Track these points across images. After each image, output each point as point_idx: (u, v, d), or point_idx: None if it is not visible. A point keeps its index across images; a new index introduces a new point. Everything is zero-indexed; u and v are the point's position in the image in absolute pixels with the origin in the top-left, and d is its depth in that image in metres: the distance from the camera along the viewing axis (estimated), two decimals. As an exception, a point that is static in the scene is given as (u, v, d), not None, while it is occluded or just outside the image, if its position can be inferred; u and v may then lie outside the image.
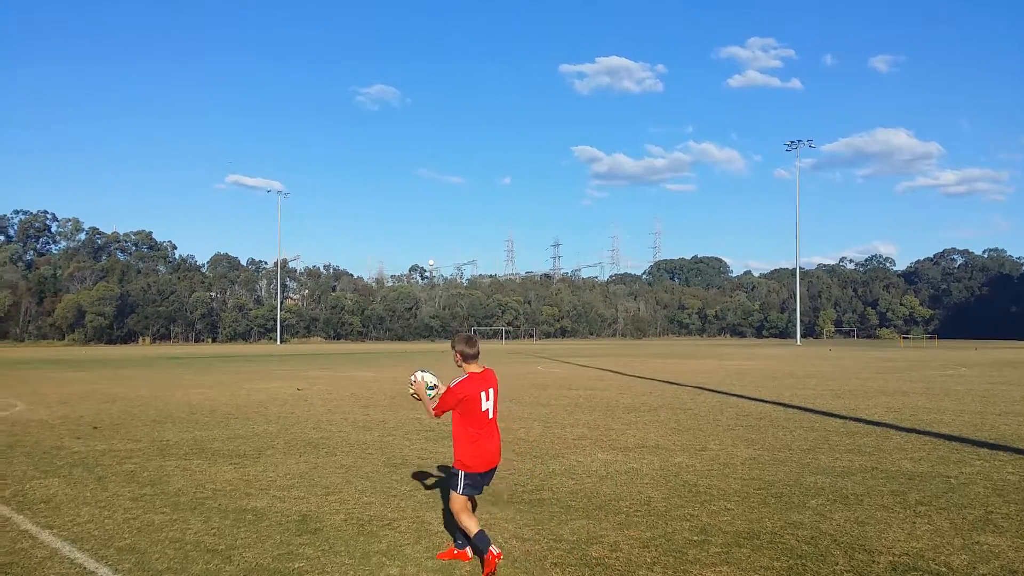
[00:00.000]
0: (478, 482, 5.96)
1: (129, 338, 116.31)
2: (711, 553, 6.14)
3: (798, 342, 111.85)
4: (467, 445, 5.86)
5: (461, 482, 5.87)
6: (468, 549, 5.98)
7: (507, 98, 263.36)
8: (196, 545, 6.42)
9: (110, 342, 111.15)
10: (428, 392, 6.23)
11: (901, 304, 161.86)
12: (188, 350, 78.51)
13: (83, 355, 60.27)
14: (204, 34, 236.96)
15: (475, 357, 5.99)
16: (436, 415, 5.97)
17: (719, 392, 21.08)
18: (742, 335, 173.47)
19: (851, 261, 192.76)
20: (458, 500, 5.89)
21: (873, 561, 5.92)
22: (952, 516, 7.25)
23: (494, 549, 5.65)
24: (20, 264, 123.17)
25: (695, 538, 6.55)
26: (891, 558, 5.98)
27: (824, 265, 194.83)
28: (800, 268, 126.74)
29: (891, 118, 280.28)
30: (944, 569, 5.75)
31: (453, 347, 6.01)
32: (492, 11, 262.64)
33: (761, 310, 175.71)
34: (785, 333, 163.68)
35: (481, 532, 5.73)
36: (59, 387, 24.07)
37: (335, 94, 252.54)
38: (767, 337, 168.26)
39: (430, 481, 9.01)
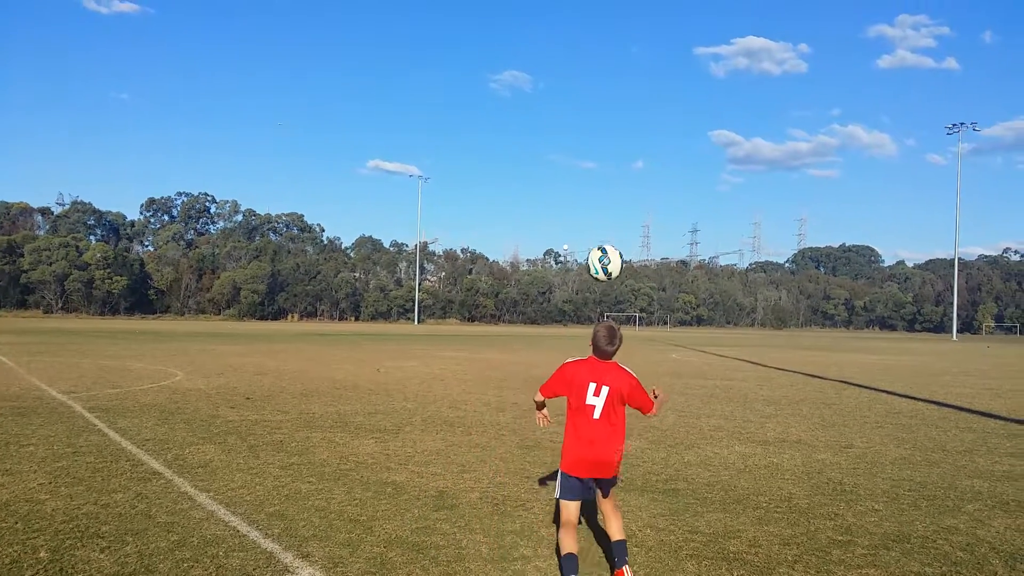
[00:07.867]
0: (576, 488, 5.09)
1: (279, 314, 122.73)
2: (856, 555, 5.85)
3: (954, 337, 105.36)
4: (565, 440, 5.19)
5: (558, 484, 5.18)
6: (626, 567, 5.07)
7: (639, 82, 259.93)
8: (339, 514, 6.68)
9: (262, 318, 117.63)
10: (599, 261, 6.16)
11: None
12: (333, 327, 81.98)
13: (237, 329, 63.96)
14: (346, 27, 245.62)
15: (605, 355, 5.17)
16: (543, 395, 5.38)
17: (866, 387, 20.10)
18: (892, 328, 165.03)
19: (1016, 252, 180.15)
20: (562, 510, 5.17)
21: (1039, 575, 5.49)
22: None
23: None
24: (182, 243, 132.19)
25: (839, 538, 6.26)
26: (1060, 573, 5.52)
27: (985, 256, 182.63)
28: (959, 259, 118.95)
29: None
30: (1123, 589, 5.26)
31: (594, 330, 5.26)
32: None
33: (914, 302, 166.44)
34: (940, 328, 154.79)
35: (569, 556, 4.89)
36: (215, 359, 25.64)
37: (468, 81, 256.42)
38: (920, 331, 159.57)
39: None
